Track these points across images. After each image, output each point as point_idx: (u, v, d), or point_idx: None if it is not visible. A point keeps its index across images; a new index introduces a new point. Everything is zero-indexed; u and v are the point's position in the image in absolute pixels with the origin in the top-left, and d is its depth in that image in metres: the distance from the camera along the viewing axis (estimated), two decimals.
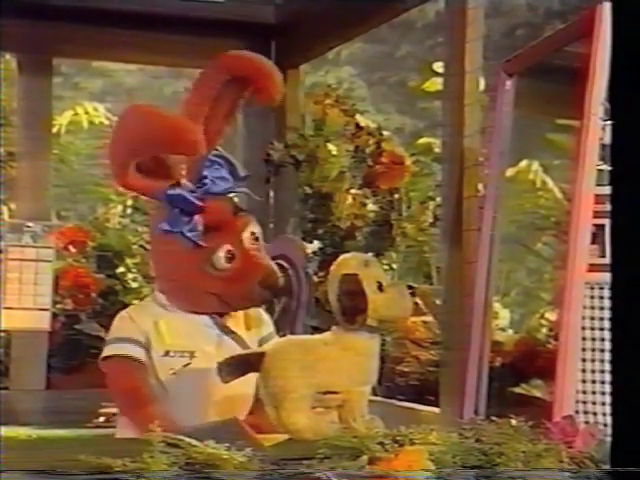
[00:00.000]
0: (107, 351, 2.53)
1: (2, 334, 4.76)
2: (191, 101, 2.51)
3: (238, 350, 2.44)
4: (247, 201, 2.75)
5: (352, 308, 2.14)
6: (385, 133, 5.17)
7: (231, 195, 2.54)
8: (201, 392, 2.44)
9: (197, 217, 2.46)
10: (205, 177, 2.49)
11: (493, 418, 2.06)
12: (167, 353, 2.47)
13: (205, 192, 2.48)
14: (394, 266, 5.05)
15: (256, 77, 2.49)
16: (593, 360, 2.77)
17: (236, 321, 2.57)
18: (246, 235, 2.51)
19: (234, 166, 2.54)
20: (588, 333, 2.79)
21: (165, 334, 2.50)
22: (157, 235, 2.53)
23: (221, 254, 2.47)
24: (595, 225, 2.83)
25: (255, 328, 2.60)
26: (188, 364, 2.46)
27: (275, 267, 2.53)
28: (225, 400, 2.43)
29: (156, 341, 2.48)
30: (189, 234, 2.45)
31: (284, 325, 2.72)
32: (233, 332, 2.54)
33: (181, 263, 2.50)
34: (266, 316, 2.65)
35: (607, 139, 2.83)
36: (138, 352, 2.48)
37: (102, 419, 3.97)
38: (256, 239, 2.52)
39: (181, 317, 2.53)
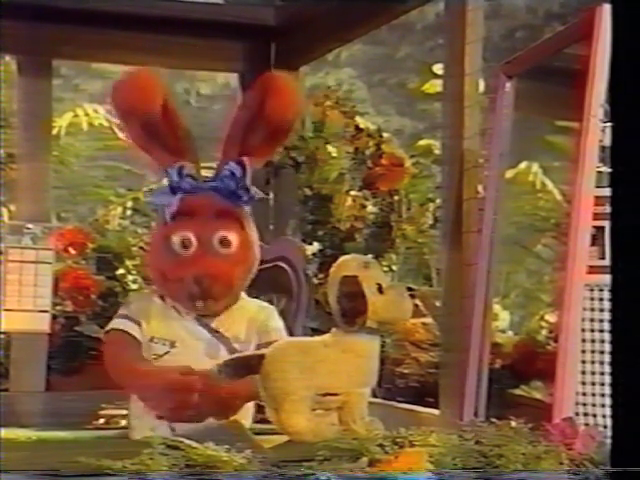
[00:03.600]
0: (107, 327, 2.68)
1: (2, 336, 4.75)
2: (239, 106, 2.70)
3: (226, 351, 2.53)
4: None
5: (352, 310, 2.14)
6: (385, 135, 5.16)
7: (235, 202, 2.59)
8: None
9: (178, 196, 2.53)
10: (218, 174, 2.59)
11: (493, 420, 2.06)
12: (152, 339, 2.60)
13: (209, 187, 2.57)
14: (394, 268, 5.03)
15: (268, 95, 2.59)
16: (593, 362, 2.77)
17: (229, 325, 2.60)
18: (216, 236, 2.56)
19: (245, 181, 2.58)
20: (588, 335, 2.79)
21: (153, 321, 2.61)
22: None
23: (176, 238, 2.54)
24: (595, 227, 2.83)
25: (257, 334, 2.63)
26: (167, 352, 2.57)
27: (209, 274, 2.53)
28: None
29: (146, 326, 2.61)
30: (167, 209, 2.55)
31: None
32: (218, 332, 2.60)
33: (153, 240, 2.69)
34: (276, 324, 2.67)
35: (607, 141, 2.82)
36: (135, 329, 2.61)
37: (102, 421, 3.96)
38: (227, 245, 2.57)
39: (172, 312, 2.64)
